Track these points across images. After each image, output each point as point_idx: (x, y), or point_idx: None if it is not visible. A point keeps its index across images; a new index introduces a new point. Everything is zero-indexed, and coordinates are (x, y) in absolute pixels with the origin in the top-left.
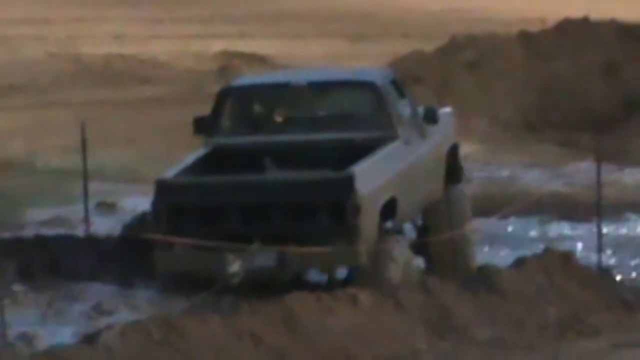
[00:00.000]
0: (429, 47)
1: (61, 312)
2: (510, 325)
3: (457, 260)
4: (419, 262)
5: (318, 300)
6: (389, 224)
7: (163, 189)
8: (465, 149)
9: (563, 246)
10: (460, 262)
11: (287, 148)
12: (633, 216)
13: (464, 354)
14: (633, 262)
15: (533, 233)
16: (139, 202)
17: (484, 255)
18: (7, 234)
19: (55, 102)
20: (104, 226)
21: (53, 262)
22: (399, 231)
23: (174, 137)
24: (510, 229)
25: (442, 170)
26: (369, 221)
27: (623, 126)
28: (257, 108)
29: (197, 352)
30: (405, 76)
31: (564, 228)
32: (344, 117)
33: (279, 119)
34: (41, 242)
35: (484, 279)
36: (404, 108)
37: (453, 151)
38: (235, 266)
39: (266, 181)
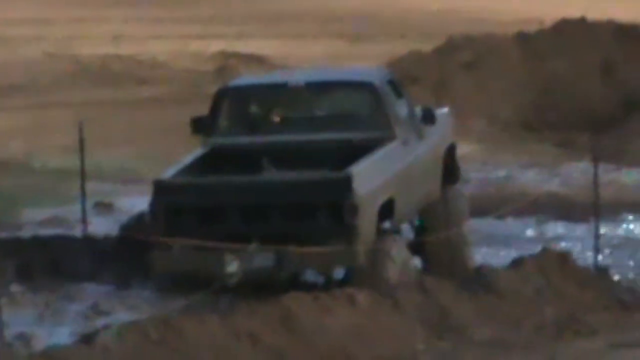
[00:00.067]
0: (427, 47)
1: (59, 312)
2: (508, 325)
3: (454, 260)
4: (417, 262)
5: (316, 300)
6: (386, 224)
7: (161, 189)
8: (462, 149)
9: (560, 246)
10: (458, 262)
11: (285, 148)
12: (630, 216)
13: (462, 354)
14: (630, 262)
15: (530, 233)
16: (137, 202)
17: (481, 255)
18: (4, 234)
19: (53, 102)
20: (102, 226)
21: (51, 262)
22: (396, 231)
23: (172, 137)
24: (507, 229)
25: (439, 171)
26: (367, 221)
27: (621, 126)
28: (254, 108)
29: (194, 352)
30: (403, 76)
31: (562, 228)
32: (342, 117)
33: (276, 119)
34: (39, 242)
35: (481, 279)
36: (401, 108)
37: (450, 151)
38: (233, 266)
39: (264, 181)
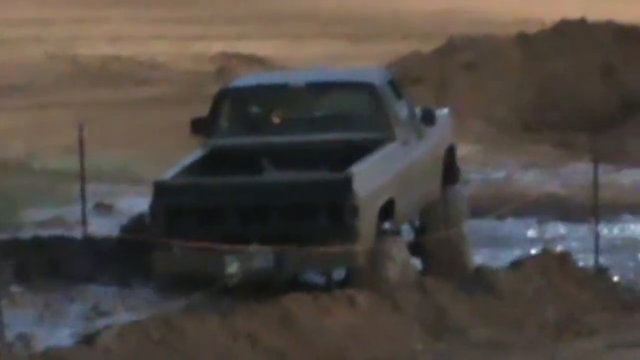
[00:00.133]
0: (427, 48)
1: (59, 313)
2: (508, 325)
3: (454, 261)
4: (416, 263)
5: (315, 301)
6: (386, 225)
7: (161, 190)
8: (462, 150)
9: (560, 247)
10: (458, 262)
11: (285, 149)
12: (630, 217)
13: (461, 355)
14: (630, 263)
15: (530, 234)
16: (137, 203)
17: (481, 256)
18: (4, 235)
19: (53, 102)
20: (102, 227)
21: (51, 263)
22: (396, 232)
23: (172, 138)
24: (507, 229)
25: (439, 171)
26: (367, 222)
27: (620, 127)
28: (255, 109)
29: (195, 353)
30: (403, 77)
31: (561, 229)
32: (342, 118)
33: (276, 119)
34: (39, 243)
35: (481, 280)
36: (401, 109)
37: (450, 152)
38: (233, 267)
39: (264, 182)
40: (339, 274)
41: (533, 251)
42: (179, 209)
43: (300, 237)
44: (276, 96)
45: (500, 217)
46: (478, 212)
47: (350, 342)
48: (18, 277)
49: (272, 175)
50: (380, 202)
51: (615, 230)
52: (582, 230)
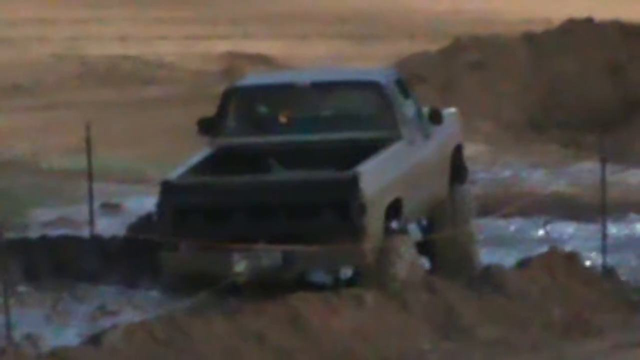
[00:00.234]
0: (434, 47)
1: (66, 312)
2: (515, 325)
3: (461, 260)
4: (424, 262)
5: (323, 300)
6: (394, 224)
7: (168, 189)
8: (469, 150)
9: (567, 246)
10: (465, 261)
11: (292, 148)
12: (637, 216)
13: (469, 354)
14: (637, 262)
15: (537, 233)
16: (144, 202)
17: (488, 255)
18: (12, 235)
19: (60, 103)
20: (109, 227)
21: (58, 263)
22: (404, 231)
23: (178, 137)
24: (514, 229)
25: (446, 171)
26: (374, 221)
27: (628, 126)
28: (261, 108)
29: (201, 352)
30: (409, 77)
31: (569, 228)
32: (349, 117)
33: (283, 119)
34: (46, 243)
35: (488, 279)
36: (408, 108)
37: (457, 151)
38: (240, 266)
39: (271, 181)
40: (346, 273)
41: (540, 251)
42: (186, 208)
43: (308, 236)
44: (283, 95)
45: (508, 217)
46: (485, 211)
47: (358, 341)
48: (26, 277)
49: (279, 175)
50: (387, 201)
51: (623, 230)
52: (590, 229)
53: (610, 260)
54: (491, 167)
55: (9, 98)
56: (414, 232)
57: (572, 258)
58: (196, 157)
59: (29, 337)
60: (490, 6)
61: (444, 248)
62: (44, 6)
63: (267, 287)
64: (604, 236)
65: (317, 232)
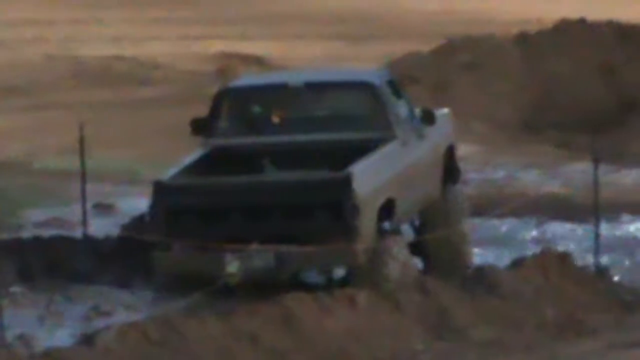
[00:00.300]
0: (426, 48)
1: (59, 313)
2: (508, 325)
3: (454, 261)
4: (417, 262)
5: (316, 300)
6: (386, 225)
7: (161, 190)
8: (462, 150)
9: (560, 247)
10: (458, 261)
11: (285, 149)
12: (630, 217)
13: (462, 355)
14: (630, 263)
15: (530, 234)
16: (137, 203)
17: (481, 255)
18: (5, 235)
19: (54, 103)
20: (102, 227)
21: (51, 263)
22: (396, 231)
23: (172, 138)
24: (507, 229)
25: (439, 171)
26: (367, 221)
27: (621, 127)
28: (254, 109)
29: (195, 353)
30: (402, 77)
31: (562, 229)
32: (342, 117)
33: (276, 119)
34: (39, 243)
35: (481, 280)
36: (401, 109)
37: (450, 152)
38: (233, 267)
39: (264, 182)
40: (339, 273)
41: (533, 251)
42: (179, 209)
43: (301, 237)
44: (276, 96)
45: (501, 217)
46: (479, 211)
47: (351, 342)
48: (19, 277)
49: (272, 175)
50: (380, 202)
51: (616, 230)
52: (583, 230)
53: (603, 260)
54: (484, 167)
55: (4, 98)
56: (407, 232)
57: (565, 258)
58: (189, 158)
59: (22, 337)
60: (484, 6)
61: (436, 248)
62: (39, 7)
63: (260, 287)
64: (597, 236)
65: (310, 232)
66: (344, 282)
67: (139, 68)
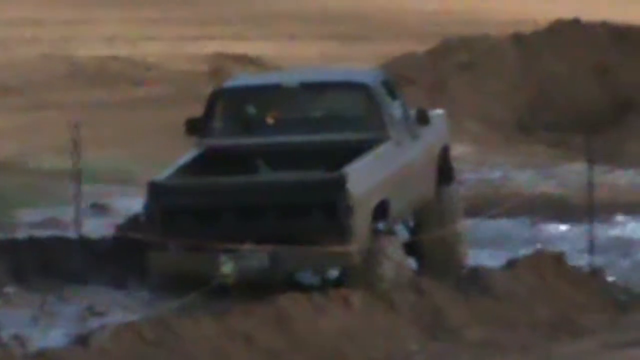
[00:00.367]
0: (422, 48)
1: (54, 313)
2: (502, 325)
3: (449, 261)
4: (411, 263)
5: (310, 301)
6: (381, 225)
7: (156, 190)
8: (457, 150)
9: (555, 247)
10: (452, 262)
11: (280, 149)
12: (624, 217)
13: (456, 355)
14: (624, 263)
15: (525, 234)
16: (132, 203)
17: (476, 256)
18: None
19: (48, 103)
20: (97, 227)
21: (46, 263)
22: (391, 232)
23: (166, 138)
24: (502, 229)
25: (433, 172)
26: (361, 222)
27: (615, 127)
28: (249, 109)
29: (190, 353)
30: (397, 77)
31: (556, 229)
32: (336, 118)
33: (271, 120)
34: (34, 243)
35: (475, 280)
36: (396, 109)
37: (444, 152)
38: (228, 267)
39: (259, 182)
40: (333, 273)
41: (528, 251)
42: (174, 209)
43: (295, 237)
44: (270, 96)
45: (495, 217)
46: (473, 212)
47: (345, 342)
48: (13, 277)
49: (267, 176)
50: (374, 202)
51: (610, 231)
52: (577, 230)
53: (598, 260)
54: (479, 167)
55: None
56: (401, 232)
57: (560, 259)
58: (184, 158)
59: (16, 337)
60: (479, 7)
61: (431, 249)
62: (35, 7)
63: (255, 287)
64: (591, 236)
65: (304, 232)
66: (339, 283)
67: (133, 68)
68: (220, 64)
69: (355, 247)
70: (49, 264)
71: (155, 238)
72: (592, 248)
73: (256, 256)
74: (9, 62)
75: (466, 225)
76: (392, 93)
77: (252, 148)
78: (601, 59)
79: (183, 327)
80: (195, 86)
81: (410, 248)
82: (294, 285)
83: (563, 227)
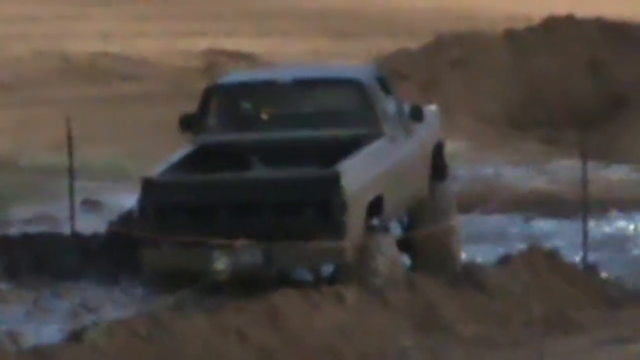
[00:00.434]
0: (415, 45)
1: (47, 309)
2: (496, 322)
3: (442, 257)
4: (405, 259)
5: (304, 297)
6: (375, 221)
7: (149, 187)
8: (450, 147)
9: (548, 243)
10: (446, 258)
11: (273, 145)
12: (618, 213)
13: (450, 351)
14: (618, 259)
15: (518, 230)
16: (125, 199)
17: (469, 252)
18: None
19: (41, 99)
20: (90, 224)
21: (39, 259)
22: (385, 228)
23: (160, 134)
24: (495, 226)
25: (427, 168)
26: (355, 218)
27: (608, 123)
28: (243, 105)
29: (183, 349)
30: (391, 74)
31: (550, 225)
32: (330, 114)
33: (265, 116)
34: (27, 239)
35: (469, 276)
36: (389, 105)
37: (438, 149)
38: (221, 263)
39: (252, 179)
40: (327, 270)
41: (521, 247)
42: (167, 205)
43: (289, 234)
44: (264, 93)
45: (488, 214)
46: (466, 208)
47: (339, 339)
48: (6, 274)
49: (261, 172)
50: (368, 198)
51: (604, 227)
52: (571, 226)
53: (592, 257)
54: (472, 164)
55: None
56: (395, 229)
57: (553, 255)
58: (177, 154)
59: (9, 334)
60: (472, 3)
61: (425, 245)
62: (27, 3)
63: (248, 284)
64: (585, 233)
65: (299, 229)
66: (332, 279)
67: (126, 64)
68: (213, 60)
69: (349, 243)
70: (41, 260)
71: (148, 234)
72: (585, 244)
73: (249, 252)
74: (2, 59)
75: (460, 221)
76: (386, 89)
77: (246, 144)
78: (595, 55)
79: (176, 324)
80: (189, 82)
81: (404, 244)
82: (287, 281)
83: (556, 224)
